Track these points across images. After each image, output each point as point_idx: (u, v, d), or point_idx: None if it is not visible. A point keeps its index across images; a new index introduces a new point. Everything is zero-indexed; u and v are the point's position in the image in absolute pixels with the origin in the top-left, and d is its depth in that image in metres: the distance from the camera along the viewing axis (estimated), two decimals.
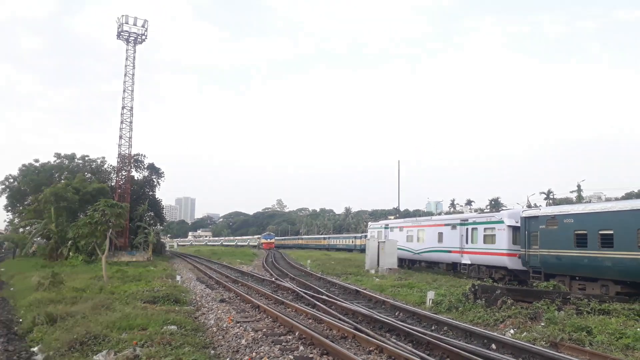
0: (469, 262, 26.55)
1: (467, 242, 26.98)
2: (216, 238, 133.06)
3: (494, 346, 10.30)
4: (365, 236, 48.59)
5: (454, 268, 28.10)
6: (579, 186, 76.82)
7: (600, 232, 17.97)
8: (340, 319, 12.89)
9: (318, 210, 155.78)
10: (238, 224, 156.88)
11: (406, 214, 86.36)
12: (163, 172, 61.29)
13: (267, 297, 18.00)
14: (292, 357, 9.26)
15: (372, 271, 29.26)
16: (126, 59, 49.99)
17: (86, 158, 56.58)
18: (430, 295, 16.64)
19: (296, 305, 15.29)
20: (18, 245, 51.77)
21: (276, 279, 25.20)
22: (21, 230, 52.92)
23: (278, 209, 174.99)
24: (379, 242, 31.15)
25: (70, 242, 40.11)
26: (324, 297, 17.34)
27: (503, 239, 23.95)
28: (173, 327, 11.69)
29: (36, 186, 50.18)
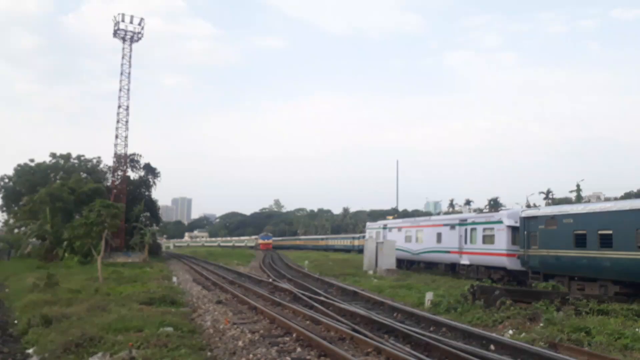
0: (468, 263, 26.51)
1: (466, 243, 26.94)
2: (213, 239, 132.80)
3: (492, 347, 10.24)
4: (364, 237, 48.53)
5: (452, 269, 28.04)
6: (578, 186, 76.92)
7: (600, 232, 17.95)
8: (338, 320, 12.81)
9: (316, 210, 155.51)
10: (235, 224, 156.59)
11: (405, 214, 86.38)
12: (159, 172, 61.07)
13: (265, 298, 17.90)
14: (289, 359, 9.18)
15: (371, 272, 29.19)
16: (122, 57, 49.82)
17: (82, 158, 56.34)
18: (429, 296, 16.58)
19: (294, 307, 15.20)
20: (13, 246, 51.45)
21: (273, 280, 25.09)
22: (16, 230, 52.59)
23: (275, 209, 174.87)
24: (377, 243, 31.08)
25: (65, 243, 39.91)
26: (321, 298, 17.25)
27: (502, 240, 23.91)
28: (169, 329, 11.59)
29: (31, 186, 49.88)
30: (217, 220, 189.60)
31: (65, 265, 35.53)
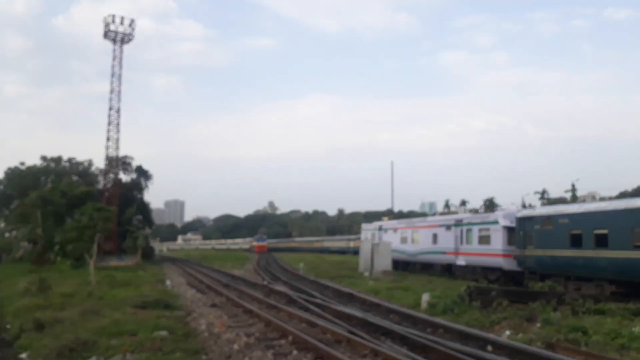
0: (464, 264, 26.51)
1: (462, 244, 26.95)
2: (207, 241, 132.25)
3: (490, 348, 10.20)
4: (359, 238, 48.49)
5: (449, 270, 28.03)
6: (573, 186, 77.23)
7: (595, 232, 18.00)
8: (334, 322, 12.71)
9: (310, 212, 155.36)
10: (229, 227, 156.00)
11: (400, 215, 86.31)
12: (151, 175, 60.60)
13: (260, 301, 17.77)
14: None
15: (366, 274, 29.11)
16: (113, 59, 49.48)
17: (73, 161, 55.91)
18: (425, 297, 16.51)
19: (289, 310, 15.09)
20: (4, 250, 50.93)
21: (268, 282, 24.96)
22: (7, 234, 52.08)
23: (269, 211, 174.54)
24: (372, 244, 31.00)
25: (57, 246, 39.54)
26: (317, 300, 17.15)
27: (498, 240, 23.92)
28: (164, 333, 11.49)
29: (22, 190, 49.39)
30: (211, 223, 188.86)
31: (58, 269, 35.13)
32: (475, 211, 74.77)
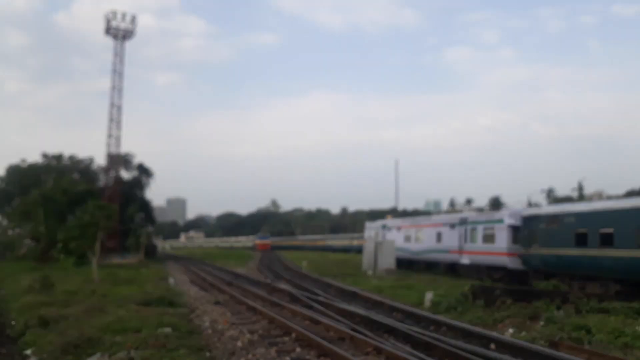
0: (468, 263, 26.46)
1: (466, 242, 26.89)
2: (210, 239, 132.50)
3: (493, 346, 10.17)
4: (363, 237, 48.45)
5: (452, 268, 27.99)
6: (580, 184, 76.88)
7: (601, 231, 17.93)
8: (337, 320, 12.72)
9: (314, 210, 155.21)
10: (231, 224, 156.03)
11: (404, 214, 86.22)
12: (153, 172, 60.50)
13: (263, 299, 17.79)
14: (289, 359, 9.10)
15: (370, 272, 29.10)
16: (114, 55, 49.23)
17: (74, 158, 55.88)
18: (429, 295, 16.51)
19: (292, 307, 15.10)
20: (7, 248, 51.13)
21: (272, 281, 25.00)
22: (10, 232, 52.27)
23: (272, 210, 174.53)
24: (376, 243, 30.98)
25: (60, 244, 39.65)
26: (320, 298, 17.16)
27: (503, 239, 23.86)
28: (167, 330, 11.52)
29: (23, 187, 49.39)
30: (213, 221, 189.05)
31: (61, 267, 35.26)
32: (480, 210, 74.54)
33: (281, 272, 31.50)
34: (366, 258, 31.13)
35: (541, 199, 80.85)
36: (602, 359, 9.14)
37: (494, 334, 11.16)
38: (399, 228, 34.75)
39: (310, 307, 15.31)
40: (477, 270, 25.52)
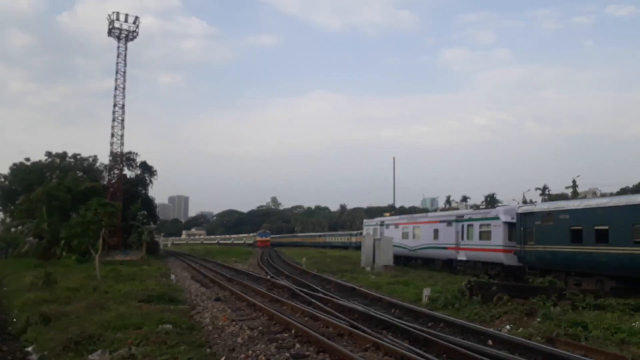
0: (465, 259, 26.60)
1: (462, 239, 27.03)
2: (212, 236, 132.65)
3: (490, 342, 10.29)
4: (361, 233, 48.60)
5: (449, 265, 28.13)
6: (574, 182, 77.11)
7: (596, 227, 18.05)
8: (336, 316, 12.85)
9: (313, 207, 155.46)
10: (232, 222, 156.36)
11: (402, 211, 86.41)
12: (155, 170, 60.82)
13: (263, 295, 17.93)
14: (288, 355, 9.21)
15: (368, 268, 29.25)
16: (117, 56, 49.53)
17: (78, 157, 56.12)
18: (426, 292, 16.64)
19: (292, 303, 15.24)
20: (10, 245, 51.31)
21: (271, 277, 25.14)
22: (13, 229, 52.46)
23: (272, 207, 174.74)
24: (374, 240, 31.15)
25: (63, 241, 39.79)
26: (319, 294, 17.30)
27: (499, 235, 24.00)
28: (168, 326, 11.62)
29: (27, 185, 49.71)
30: (215, 218, 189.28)
31: (63, 264, 35.45)
32: (476, 207, 74.65)
33: (281, 269, 31.64)
34: (364, 254, 31.29)
35: (536, 196, 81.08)
36: (598, 355, 9.22)
37: (491, 330, 11.28)
38: (396, 225, 34.89)
39: (309, 303, 15.45)
40: (473, 266, 25.67)
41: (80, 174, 53.02)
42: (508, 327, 11.97)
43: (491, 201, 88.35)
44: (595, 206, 18.94)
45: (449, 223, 28.44)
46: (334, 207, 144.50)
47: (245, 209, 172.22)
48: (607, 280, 17.66)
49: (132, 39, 50.25)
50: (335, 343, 9.80)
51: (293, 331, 11.18)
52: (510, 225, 23.51)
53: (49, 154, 55.06)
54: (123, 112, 49.06)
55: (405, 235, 33.23)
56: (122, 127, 49.09)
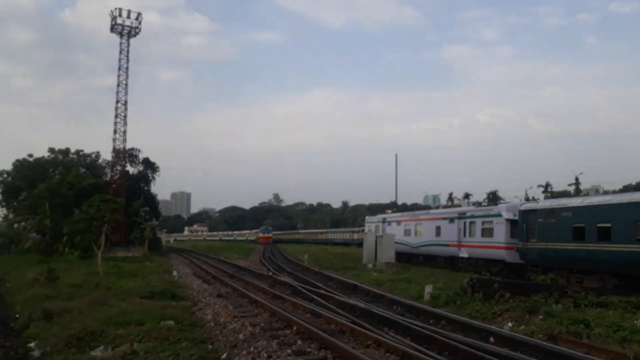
0: (467, 256, 26.58)
1: (465, 236, 27.00)
2: (214, 233, 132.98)
3: (492, 339, 10.28)
4: (363, 230, 48.59)
5: (451, 262, 28.12)
6: (577, 179, 76.92)
7: (598, 225, 18.00)
8: (338, 313, 12.86)
9: (315, 204, 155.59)
10: (234, 218, 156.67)
11: (404, 208, 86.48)
12: (158, 167, 60.86)
13: (265, 292, 17.96)
14: (290, 352, 9.22)
15: (370, 265, 29.28)
16: (120, 52, 49.48)
17: (80, 153, 56.22)
18: (428, 289, 16.64)
19: (294, 300, 15.26)
20: (13, 241, 51.51)
21: (273, 273, 25.17)
22: (16, 225, 52.63)
23: (275, 204, 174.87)
24: (376, 237, 31.13)
25: (65, 237, 39.93)
26: (321, 291, 17.31)
27: (501, 233, 23.97)
28: (170, 323, 11.66)
29: (30, 181, 49.84)
30: (217, 214, 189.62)
31: (66, 260, 35.56)
32: (478, 204, 74.56)
33: (283, 265, 31.69)
34: (366, 251, 31.30)
35: (538, 193, 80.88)
36: (600, 352, 9.21)
37: (493, 327, 11.28)
38: (398, 222, 34.88)
39: (311, 300, 15.47)
40: (475, 263, 25.66)
41: (83, 170, 53.11)
42: (510, 324, 11.97)
43: (493, 198, 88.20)
44: (598, 203, 18.88)
45: (451, 220, 28.42)
46: (336, 204, 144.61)
47: (247, 205, 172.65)
48: (609, 278, 17.62)
49: (134, 35, 50.22)
50: (337, 340, 9.81)
51: (295, 328, 11.19)
52: (512, 223, 23.47)
53: (51, 150, 55.17)
54: (126, 109, 49.14)
55: (407, 232, 33.24)
56: (125, 124, 49.17)
